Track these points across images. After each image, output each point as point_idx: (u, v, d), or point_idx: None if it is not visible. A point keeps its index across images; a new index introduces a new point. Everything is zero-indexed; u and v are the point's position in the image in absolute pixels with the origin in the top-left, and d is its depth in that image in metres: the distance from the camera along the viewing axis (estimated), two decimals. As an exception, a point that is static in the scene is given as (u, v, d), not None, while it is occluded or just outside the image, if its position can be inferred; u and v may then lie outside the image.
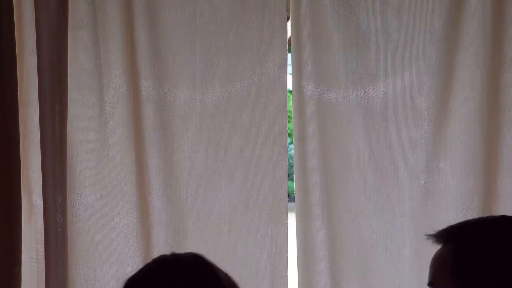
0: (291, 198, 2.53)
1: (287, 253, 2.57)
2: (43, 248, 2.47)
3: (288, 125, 2.59)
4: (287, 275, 2.56)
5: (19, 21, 2.47)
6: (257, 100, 2.55)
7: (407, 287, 2.58)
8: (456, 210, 2.57)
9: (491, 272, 1.48)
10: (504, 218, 1.61)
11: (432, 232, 1.59)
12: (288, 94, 2.59)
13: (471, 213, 2.57)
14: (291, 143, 2.62)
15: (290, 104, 2.56)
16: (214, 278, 1.58)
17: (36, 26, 2.42)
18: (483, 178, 2.56)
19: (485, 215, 2.55)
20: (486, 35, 2.53)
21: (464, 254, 1.52)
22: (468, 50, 2.54)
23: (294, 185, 2.58)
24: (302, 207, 2.57)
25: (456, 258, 1.53)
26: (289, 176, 2.59)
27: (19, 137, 2.40)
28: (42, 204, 2.46)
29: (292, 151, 2.59)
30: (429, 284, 1.60)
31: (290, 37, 2.61)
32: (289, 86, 2.59)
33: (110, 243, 2.55)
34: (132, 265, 2.53)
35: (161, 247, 2.53)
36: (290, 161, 2.61)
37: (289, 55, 2.61)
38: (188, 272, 1.57)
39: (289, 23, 2.60)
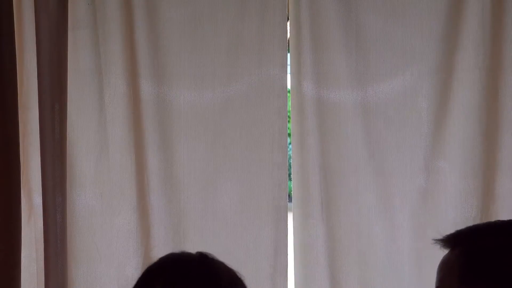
0: (290, 198, 2.53)
1: (287, 254, 2.56)
2: (43, 248, 2.47)
3: (288, 125, 2.59)
4: (287, 277, 2.56)
5: (19, 22, 2.47)
6: (257, 100, 2.55)
7: (406, 286, 2.58)
8: (455, 210, 2.57)
9: (499, 278, 1.47)
10: None
11: (439, 236, 1.58)
12: (288, 94, 2.59)
13: (470, 212, 2.57)
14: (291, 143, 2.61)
15: (290, 103, 2.56)
16: (214, 279, 1.58)
17: (36, 26, 2.41)
18: (482, 177, 2.57)
19: (484, 214, 2.56)
20: (485, 35, 2.53)
21: (472, 259, 1.51)
22: (467, 50, 2.54)
23: (292, 185, 2.58)
24: (300, 206, 2.57)
25: (464, 263, 1.51)
26: (288, 176, 2.59)
27: (19, 138, 2.39)
28: (42, 204, 2.46)
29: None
30: None
31: (289, 37, 2.60)
32: (289, 86, 2.59)
33: (110, 243, 2.55)
34: (132, 265, 2.54)
35: (161, 247, 2.53)
36: (290, 161, 2.61)
37: (289, 55, 2.61)
38: (190, 271, 1.57)
39: (289, 23, 2.59)
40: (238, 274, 1.62)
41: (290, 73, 2.60)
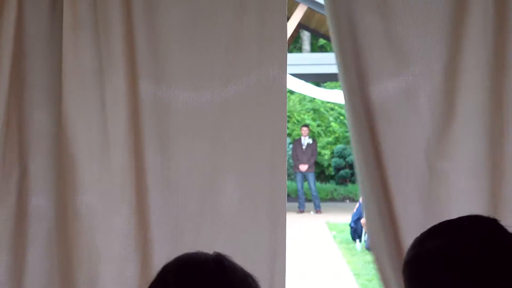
0: (289, 198, 2.52)
1: (285, 256, 2.55)
2: (43, 248, 2.47)
3: (288, 125, 2.58)
4: (284, 278, 2.55)
5: (17, 21, 2.47)
6: (257, 100, 2.54)
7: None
8: (459, 211, 2.54)
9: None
10: (448, 226, 1.61)
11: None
12: (288, 94, 2.58)
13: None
14: (291, 143, 2.61)
15: (290, 104, 2.55)
16: (228, 280, 1.57)
17: (33, 26, 2.42)
18: (486, 178, 2.53)
19: (489, 215, 2.53)
20: (487, 35, 2.50)
21: (410, 267, 1.55)
22: (469, 50, 2.50)
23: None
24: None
25: (405, 269, 1.56)
26: (288, 176, 2.58)
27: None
28: (41, 204, 2.46)
29: (291, 152, 2.57)
30: None
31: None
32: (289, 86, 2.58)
33: (110, 243, 2.54)
34: (132, 265, 2.54)
35: (160, 248, 2.53)
36: (290, 161, 2.60)
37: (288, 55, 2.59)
38: (204, 271, 1.57)
39: (288, 23, 2.58)
40: (253, 277, 1.62)
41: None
